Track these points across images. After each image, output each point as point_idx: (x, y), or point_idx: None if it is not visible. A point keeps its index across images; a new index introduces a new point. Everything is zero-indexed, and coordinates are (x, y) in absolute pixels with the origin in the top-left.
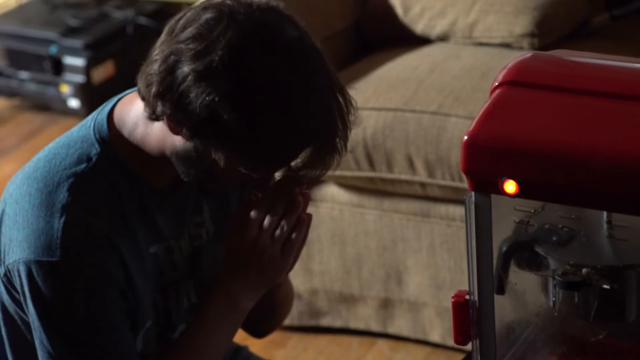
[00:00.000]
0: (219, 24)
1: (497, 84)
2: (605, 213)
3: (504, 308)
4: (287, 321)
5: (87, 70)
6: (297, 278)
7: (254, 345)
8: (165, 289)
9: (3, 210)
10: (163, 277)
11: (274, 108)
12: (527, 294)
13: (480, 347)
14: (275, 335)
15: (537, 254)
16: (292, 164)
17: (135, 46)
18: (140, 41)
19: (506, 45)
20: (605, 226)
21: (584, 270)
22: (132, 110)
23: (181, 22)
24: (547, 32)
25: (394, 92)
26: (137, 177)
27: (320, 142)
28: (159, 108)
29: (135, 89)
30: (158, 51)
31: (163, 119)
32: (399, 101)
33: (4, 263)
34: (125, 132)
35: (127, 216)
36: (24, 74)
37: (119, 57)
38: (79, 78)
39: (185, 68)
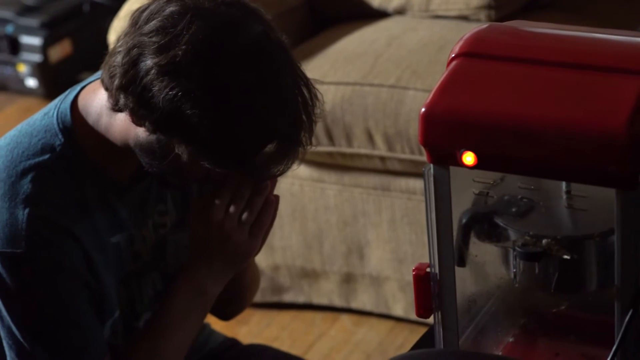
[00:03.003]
0: (183, 18)
1: (453, 55)
2: (564, 183)
3: (465, 280)
4: None
5: (44, 49)
6: (259, 254)
7: (217, 322)
8: (127, 279)
9: None
10: (125, 268)
11: (238, 105)
12: (487, 265)
13: (442, 319)
14: None
15: (496, 226)
16: (257, 159)
17: (92, 24)
18: (96, 19)
19: (463, 18)
20: (564, 196)
21: (543, 241)
22: (95, 100)
23: (145, 13)
24: (503, 4)
25: (351, 66)
26: (101, 168)
27: (286, 138)
28: (122, 100)
29: (97, 75)
30: (122, 42)
31: (126, 111)
32: (357, 75)
33: None
34: (89, 122)
35: (90, 207)
36: None
37: (75, 35)
38: (36, 57)
39: (149, 61)
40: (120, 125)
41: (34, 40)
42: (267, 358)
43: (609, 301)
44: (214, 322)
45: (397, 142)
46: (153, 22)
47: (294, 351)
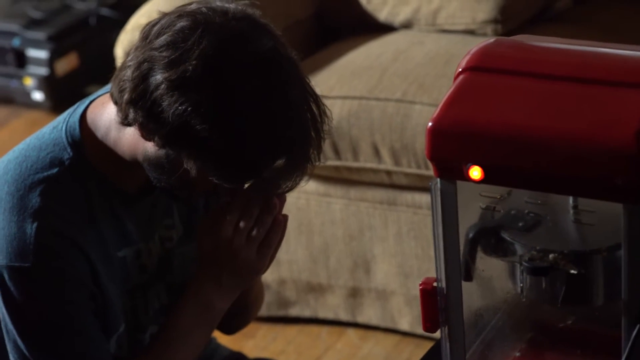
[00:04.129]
0: (194, 33)
1: (460, 70)
2: (571, 198)
3: (471, 295)
4: None
5: (50, 62)
6: None
7: (224, 336)
8: (132, 292)
9: None
10: (131, 281)
11: (247, 120)
12: (494, 280)
13: (449, 334)
14: None
15: (503, 240)
16: (265, 174)
17: (99, 38)
18: (103, 32)
19: (470, 32)
20: (571, 211)
21: (550, 255)
22: (104, 114)
23: (155, 28)
24: (510, 18)
25: (358, 80)
26: (109, 182)
27: (294, 154)
28: (131, 115)
29: (106, 89)
30: (132, 57)
31: (135, 125)
32: (363, 89)
33: None
34: (98, 136)
35: (98, 221)
36: None
37: (82, 48)
38: (43, 70)
39: (159, 76)
40: (129, 140)
41: (41, 54)
42: None
43: (616, 315)
44: (220, 336)
45: (404, 156)
46: (164, 36)
47: None
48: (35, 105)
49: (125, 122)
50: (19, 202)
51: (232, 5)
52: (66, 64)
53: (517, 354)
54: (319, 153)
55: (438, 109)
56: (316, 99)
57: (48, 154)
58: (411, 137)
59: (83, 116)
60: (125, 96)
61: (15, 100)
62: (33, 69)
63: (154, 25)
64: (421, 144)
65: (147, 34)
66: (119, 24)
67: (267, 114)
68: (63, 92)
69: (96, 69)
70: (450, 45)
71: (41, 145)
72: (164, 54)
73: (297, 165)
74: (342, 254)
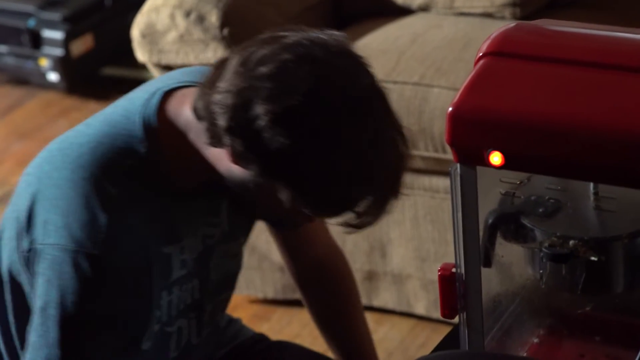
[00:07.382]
0: (298, 67)
1: (481, 54)
2: (591, 184)
3: (490, 281)
4: (272, 295)
5: (66, 43)
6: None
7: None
8: (170, 287)
9: (38, 189)
10: (172, 276)
11: (346, 159)
12: (513, 266)
13: (467, 320)
14: (259, 309)
15: (523, 226)
16: (357, 209)
17: (114, 19)
18: (118, 13)
19: (488, 15)
20: (591, 197)
21: (570, 242)
22: (182, 114)
23: (255, 56)
24: (528, 1)
25: (375, 64)
26: (172, 178)
27: (386, 192)
28: (227, 141)
29: (172, 78)
30: (230, 82)
31: (226, 149)
32: (381, 72)
33: (34, 241)
34: (173, 135)
35: (158, 218)
36: (1, 48)
37: (97, 29)
38: (58, 51)
39: (261, 108)
40: (213, 153)
41: (56, 34)
42: (294, 353)
43: (637, 303)
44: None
45: (421, 139)
46: (266, 66)
47: (315, 349)
48: (50, 86)
49: (215, 144)
50: (93, 189)
51: (328, 37)
52: (81, 45)
53: (536, 341)
54: (403, 185)
55: (458, 94)
56: (403, 135)
57: (124, 143)
58: (429, 120)
59: (160, 109)
60: (222, 123)
61: (31, 81)
62: (48, 49)
63: (252, 52)
64: (439, 127)
65: (245, 60)
66: (135, 5)
67: (366, 156)
68: (78, 73)
69: (111, 51)
70: (468, 28)
71: (116, 135)
72: (267, 85)
73: (386, 201)
74: (358, 238)
